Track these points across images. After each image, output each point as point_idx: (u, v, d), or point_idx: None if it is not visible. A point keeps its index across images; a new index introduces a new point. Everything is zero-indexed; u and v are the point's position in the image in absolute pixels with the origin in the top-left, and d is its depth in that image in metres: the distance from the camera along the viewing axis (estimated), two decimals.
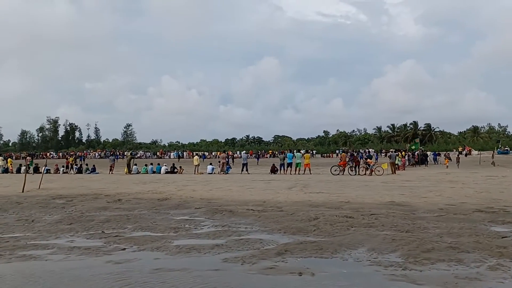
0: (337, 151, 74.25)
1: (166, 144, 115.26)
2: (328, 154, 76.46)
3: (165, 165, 29.31)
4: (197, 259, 6.27)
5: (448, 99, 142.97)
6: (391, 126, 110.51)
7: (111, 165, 30.65)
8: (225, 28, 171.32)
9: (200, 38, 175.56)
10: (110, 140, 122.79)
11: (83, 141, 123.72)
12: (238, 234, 7.89)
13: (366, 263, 5.91)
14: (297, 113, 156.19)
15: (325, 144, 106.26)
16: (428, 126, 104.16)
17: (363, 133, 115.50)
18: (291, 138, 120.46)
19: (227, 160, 28.54)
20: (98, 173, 29.07)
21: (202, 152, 70.46)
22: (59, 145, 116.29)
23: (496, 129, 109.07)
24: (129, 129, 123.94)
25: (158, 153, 76.84)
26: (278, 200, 12.66)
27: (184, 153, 72.31)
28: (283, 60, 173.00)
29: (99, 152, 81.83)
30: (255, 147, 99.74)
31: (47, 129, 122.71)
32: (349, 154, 29.81)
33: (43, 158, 63.66)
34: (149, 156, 76.00)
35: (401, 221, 8.83)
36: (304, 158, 25.37)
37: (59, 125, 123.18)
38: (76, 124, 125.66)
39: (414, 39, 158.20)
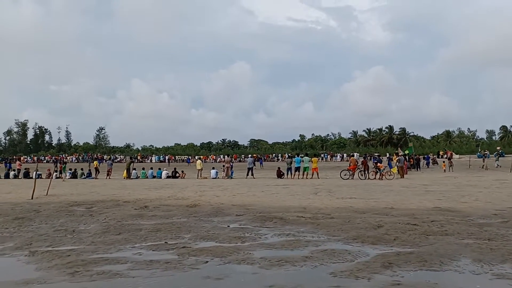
0: (322, 155, 74.62)
1: (140, 148, 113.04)
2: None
3: (165, 169, 28.39)
4: (300, 273, 5.75)
5: (413, 103, 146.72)
6: (367, 130, 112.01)
7: (108, 169, 29.51)
8: (196, 31, 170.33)
9: (171, 41, 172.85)
10: (81, 144, 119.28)
11: (53, 144, 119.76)
12: (314, 244, 7.38)
13: (488, 276, 5.50)
14: (269, 117, 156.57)
15: (302, 148, 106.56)
16: (403, 130, 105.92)
17: (337, 137, 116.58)
18: (267, 142, 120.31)
19: (231, 164, 27.84)
20: (93, 177, 27.85)
21: (187, 156, 69.36)
22: (27, 148, 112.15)
23: (466, 133, 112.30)
24: (102, 132, 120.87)
25: (138, 157, 74.92)
26: (316, 206, 12.18)
27: (166, 157, 70.81)
28: (255, 63, 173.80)
29: (76, 156, 79.37)
30: (231, 151, 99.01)
31: (15, 132, 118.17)
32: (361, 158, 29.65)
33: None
34: None
35: (470, 228, 8.53)
36: (312, 162, 24.99)
37: (28, 128, 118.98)
38: (45, 128, 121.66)
39: (382, 44, 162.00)
